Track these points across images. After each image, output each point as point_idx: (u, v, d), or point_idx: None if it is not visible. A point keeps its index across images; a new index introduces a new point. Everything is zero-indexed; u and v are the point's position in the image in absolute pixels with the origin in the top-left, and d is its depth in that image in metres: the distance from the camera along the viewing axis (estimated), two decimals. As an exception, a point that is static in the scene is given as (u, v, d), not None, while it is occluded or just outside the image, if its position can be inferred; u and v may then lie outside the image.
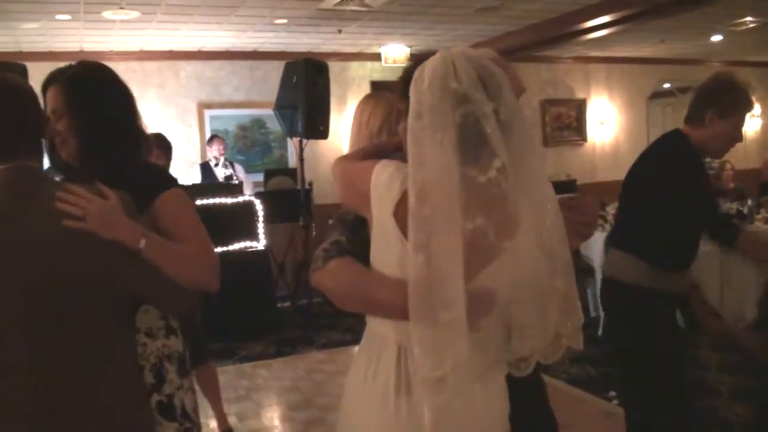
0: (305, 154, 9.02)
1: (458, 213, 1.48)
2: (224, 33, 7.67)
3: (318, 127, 7.14)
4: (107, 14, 6.41)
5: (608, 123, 10.73)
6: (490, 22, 7.76)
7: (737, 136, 2.85)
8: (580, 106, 10.54)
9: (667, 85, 11.26)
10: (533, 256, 1.55)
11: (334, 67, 9.22)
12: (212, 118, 8.74)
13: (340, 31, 7.85)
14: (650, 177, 2.90)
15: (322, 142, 9.10)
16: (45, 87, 2.04)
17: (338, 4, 6.58)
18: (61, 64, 7.17)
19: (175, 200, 1.93)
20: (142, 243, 1.69)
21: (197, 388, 2.36)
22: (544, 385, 2.24)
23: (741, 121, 2.83)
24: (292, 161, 8.94)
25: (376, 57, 9.05)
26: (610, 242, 3.30)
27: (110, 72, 2.08)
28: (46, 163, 2.04)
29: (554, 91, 10.35)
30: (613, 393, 4.57)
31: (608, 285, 3.02)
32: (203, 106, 8.72)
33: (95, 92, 2.02)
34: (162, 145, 4.22)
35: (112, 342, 1.74)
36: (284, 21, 7.22)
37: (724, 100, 2.78)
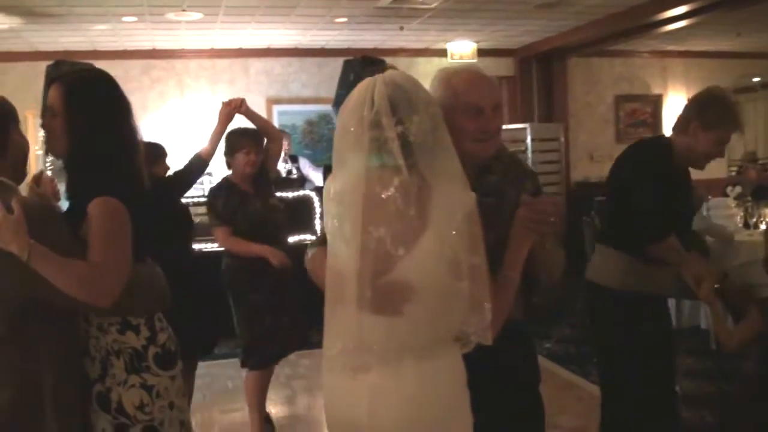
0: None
1: (360, 223, 1.72)
2: (289, 31, 7.84)
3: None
4: (171, 16, 6.67)
5: (686, 120, 10.26)
6: (554, 17, 7.62)
7: (717, 151, 2.91)
8: (656, 102, 10.19)
9: (756, 79, 10.77)
10: (431, 263, 1.73)
11: (400, 63, 9.26)
12: (280, 113, 8.94)
13: (401, 28, 7.89)
14: (625, 179, 3.07)
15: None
16: (51, 82, 2.19)
17: (394, 2, 6.62)
18: (135, 63, 7.54)
19: (94, 210, 1.97)
20: (26, 255, 1.79)
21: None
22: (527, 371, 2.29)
23: (724, 137, 2.88)
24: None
25: (444, 53, 9.02)
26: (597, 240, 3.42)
27: (111, 81, 2.24)
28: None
29: (629, 87, 10.05)
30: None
31: (590, 287, 3.19)
32: (272, 101, 8.93)
33: (92, 99, 2.15)
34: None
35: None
36: (344, 19, 7.33)
37: (709, 114, 2.85)
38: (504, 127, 9.16)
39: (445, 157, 1.78)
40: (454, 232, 1.73)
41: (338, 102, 7.37)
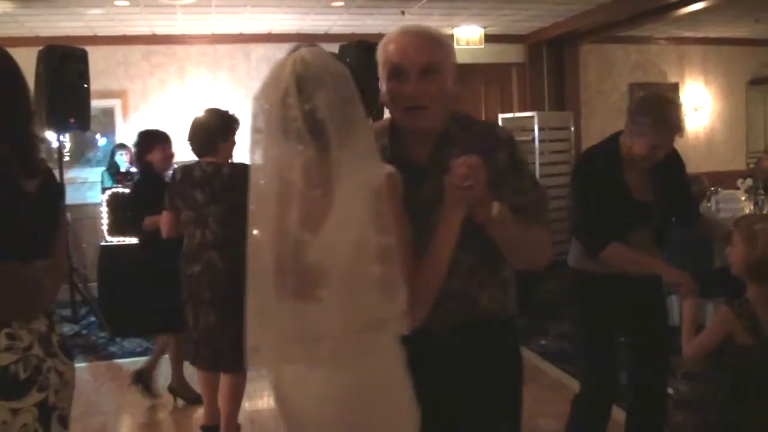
0: (375, 138, 9.02)
1: (272, 208, 1.70)
2: (288, 16, 7.69)
3: (370, 111, 6.98)
4: (162, 0, 6.54)
5: (703, 109, 9.98)
6: (561, 1, 7.35)
7: (654, 155, 2.89)
8: (673, 90, 9.78)
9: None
10: (338, 245, 1.66)
11: (407, 49, 9.09)
12: (282, 100, 8.80)
13: (402, 13, 7.68)
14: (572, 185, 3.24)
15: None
16: None
17: (389, -16, 6.43)
18: (136, 49, 7.47)
19: None
20: None
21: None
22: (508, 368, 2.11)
23: (657, 143, 2.86)
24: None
25: (450, 39, 8.78)
26: None
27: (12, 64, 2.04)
28: None
29: (644, 74, 9.73)
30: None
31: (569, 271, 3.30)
32: (274, 88, 8.78)
33: None
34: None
35: None
36: (341, 3, 7.14)
37: (642, 120, 2.87)
38: (511, 115, 8.96)
39: (357, 133, 1.69)
40: (357, 212, 1.66)
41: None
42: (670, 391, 4.15)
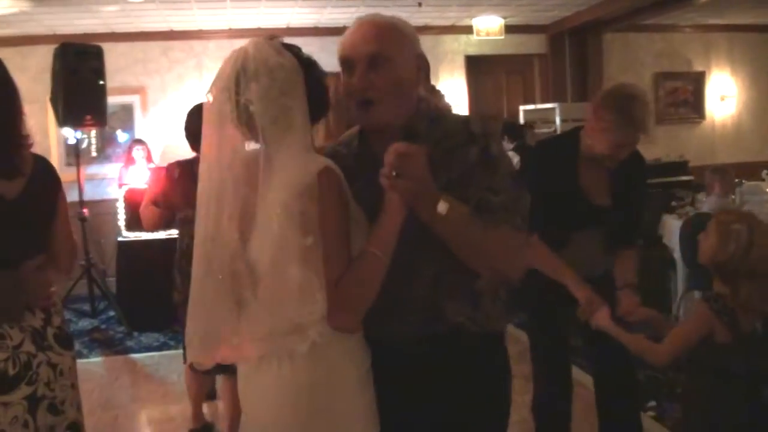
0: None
1: (212, 205, 1.69)
2: (304, 10, 7.65)
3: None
4: (177, -5, 6.54)
5: (730, 99, 9.74)
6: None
7: (617, 153, 2.70)
8: (699, 80, 9.63)
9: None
10: (263, 244, 1.62)
11: (426, 41, 8.98)
12: (301, 94, 8.77)
13: (420, 4, 7.59)
14: None
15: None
16: None
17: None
18: (154, 45, 7.54)
19: None
20: None
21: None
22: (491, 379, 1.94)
23: (620, 141, 2.66)
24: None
25: (470, 30, 8.67)
26: None
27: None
28: None
29: (669, 64, 9.50)
30: (653, 403, 4.17)
31: None
32: (292, 82, 8.76)
33: None
34: None
35: None
36: (356, -5, 7.09)
37: (606, 117, 2.66)
38: (532, 106, 8.84)
39: (293, 128, 1.65)
40: (279, 210, 1.60)
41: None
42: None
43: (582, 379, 3.89)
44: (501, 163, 1.79)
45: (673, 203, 6.43)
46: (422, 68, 1.87)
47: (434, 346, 1.80)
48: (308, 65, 1.71)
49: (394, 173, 1.59)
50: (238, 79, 1.62)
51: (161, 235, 5.73)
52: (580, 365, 4.20)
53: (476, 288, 1.80)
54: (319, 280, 1.61)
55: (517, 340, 4.50)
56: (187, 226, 3.73)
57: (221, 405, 4.07)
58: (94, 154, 8.31)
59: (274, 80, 1.62)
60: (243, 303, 1.68)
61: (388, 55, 1.75)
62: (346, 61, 1.78)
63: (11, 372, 2.01)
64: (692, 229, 5.22)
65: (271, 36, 1.73)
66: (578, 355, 5.12)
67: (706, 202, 5.36)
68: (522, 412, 3.29)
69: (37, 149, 7.37)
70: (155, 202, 3.73)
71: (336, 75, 1.85)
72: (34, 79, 7.70)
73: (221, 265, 1.66)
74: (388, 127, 1.79)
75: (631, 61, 9.42)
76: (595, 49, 9.16)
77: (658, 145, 8.56)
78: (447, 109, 2.04)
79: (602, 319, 2.61)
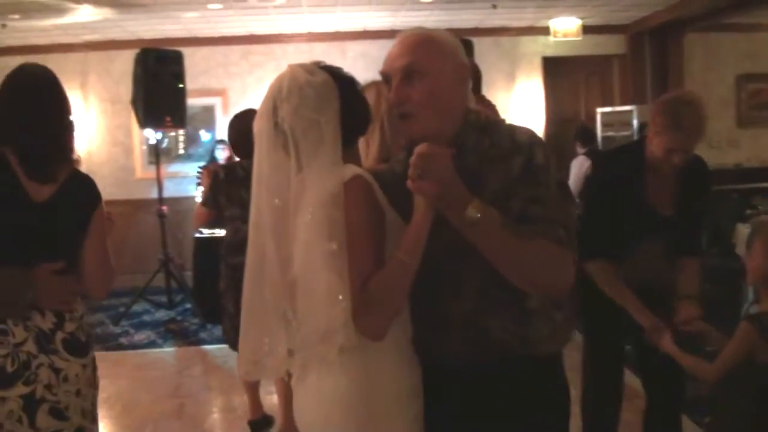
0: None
1: (267, 222, 1.76)
2: (380, 13, 7.77)
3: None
4: (253, 2, 6.75)
5: (820, 102, 9.27)
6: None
7: (671, 159, 2.72)
8: (784, 82, 9.22)
9: None
10: (298, 254, 1.68)
11: (503, 42, 9.00)
12: (376, 96, 8.89)
13: (494, 6, 7.60)
14: None
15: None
16: None
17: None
18: (235, 49, 7.90)
19: None
20: None
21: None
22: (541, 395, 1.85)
23: (671, 145, 2.69)
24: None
25: (548, 32, 8.60)
26: None
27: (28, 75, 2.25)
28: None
29: (753, 65, 9.13)
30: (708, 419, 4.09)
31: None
32: (368, 85, 8.89)
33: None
34: None
35: None
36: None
37: (658, 120, 2.73)
38: (609, 109, 8.66)
39: (325, 142, 1.71)
40: (309, 217, 1.66)
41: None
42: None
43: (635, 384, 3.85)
44: (546, 173, 1.72)
45: (749, 211, 6.24)
46: (466, 79, 1.83)
47: (482, 368, 1.76)
48: (343, 82, 1.76)
49: (417, 175, 1.57)
50: (275, 102, 1.70)
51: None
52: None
53: (526, 306, 1.74)
54: (343, 284, 1.62)
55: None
56: (231, 223, 3.95)
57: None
58: (181, 151, 8.69)
59: (303, 98, 1.68)
60: (287, 318, 1.74)
61: (422, 68, 1.74)
62: (384, 76, 1.79)
63: (9, 369, 2.07)
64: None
65: (316, 62, 1.80)
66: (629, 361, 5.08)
67: (777, 211, 5.17)
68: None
69: (120, 149, 7.88)
70: (204, 202, 3.96)
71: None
72: (118, 82, 8.13)
73: (269, 284, 1.74)
74: (433, 139, 1.71)
75: (713, 62, 9.12)
76: (676, 49, 8.91)
77: (741, 150, 8.29)
78: (499, 120, 1.99)
79: (667, 345, 2.65)
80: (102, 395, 4.76)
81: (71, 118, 2.32)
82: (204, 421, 4.46)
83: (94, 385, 2.34)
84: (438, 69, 1.75)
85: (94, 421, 2.34)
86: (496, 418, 1.77)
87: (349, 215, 1.66)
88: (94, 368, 2.34)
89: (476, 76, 3.27)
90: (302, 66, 1.75)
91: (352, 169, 1.71)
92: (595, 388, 3.16)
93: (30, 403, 2.10)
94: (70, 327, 2.21)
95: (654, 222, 2.84)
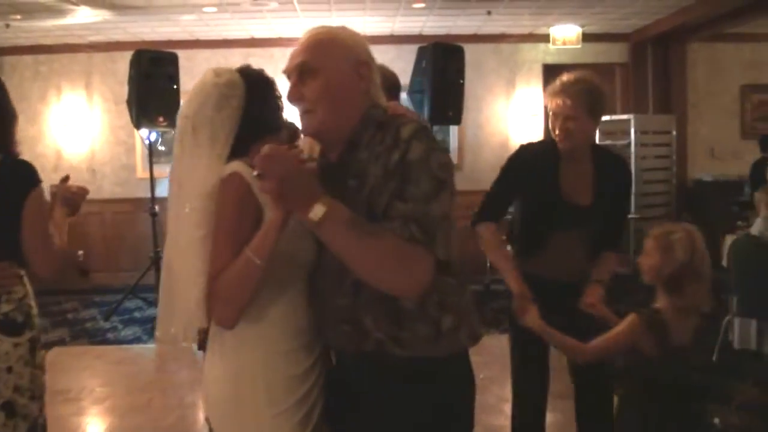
0: (467, 140, 8.99)
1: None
2: (377, 18, 7.82)
3: (447, 113, 7.01)
4: (246, 5, 6.84)
5: (826, 113, 9.12)
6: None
7: (554, 126, 2.84)
8: (790, 92, 9.07)
9: None
10: (171, 241, 1.87)
11: (502, 49, 8.99)
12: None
13: (489, 13, 7.61)
14: None
15: (485, 128, 8.97)
16: None
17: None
18: (236, 52, 8.09)
19: None
20: None
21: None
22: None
23: (550, 106, 2.83)
24: (453, 145, 8.90)
25: (548, 39, 8.58)
26: None
27: None
28: None
29: (759, 75, 9.00)
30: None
31: None
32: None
33: None
34: None
35: None
36: (422, 5, 7.19)
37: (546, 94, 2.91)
38: (607, 118, 8.61)
39: (217, 137, 1.85)
40: (188, 207, 1.81)
41: (412, 89, 7.27)
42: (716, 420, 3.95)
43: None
44: (419, 169, 1.68)
45: (740, 222, 6.18)
46: (366, 75, 1.83)
47: (361, 362, 1.79)
48: (253, 83, 1.89)
49: (259, 175, 1.59)
50: (188, 103, 1.88)
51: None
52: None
53: (401, 306, 1.72)
54: (204, 269, 1.75)
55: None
56: None
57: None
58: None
59: (206, 97, 1.84)
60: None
61: (315, 66, 1.76)
62: (286, 75, 1.82)
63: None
64: (735, 252, 5.04)
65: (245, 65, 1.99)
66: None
67: (755, 224, 5.11)
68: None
69: (122, 148, 8.03)
70: None
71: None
72: (121, 83, 8.22)
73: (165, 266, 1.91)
74: (330, 134, 1.81)
75: (718, 72, 9.01)
76: (679, 59, 8.84)
77: (745, 161, 8.18)
78: (400, 116, 1.94)
79: (531, 320, 2.59)
80: (75, 386, 4.89)
81: (7, 109, 2.43)
82: (168, 416, 4.52)
83: (33, 364, 2.43)
84: (332, 67, 1.78)
85: (35, 399, 2.44)
86: (374, 413, 1.79)
87: (219, 209, 1.77)
88: (33, 348, 2.44)
89: (390, 83, 3.24)
90: (217, 69, 1.91)
91: (233, 167, 1.78)
92: (522, 385, 3.10)
93: None
94: (5, 307, 2.36)
95: (568, 211, 2.85)
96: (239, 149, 1.86)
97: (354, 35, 1.89)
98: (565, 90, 2.77)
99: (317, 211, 1.58)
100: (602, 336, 2.46)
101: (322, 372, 1.89)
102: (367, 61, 1.85)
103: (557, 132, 2.82)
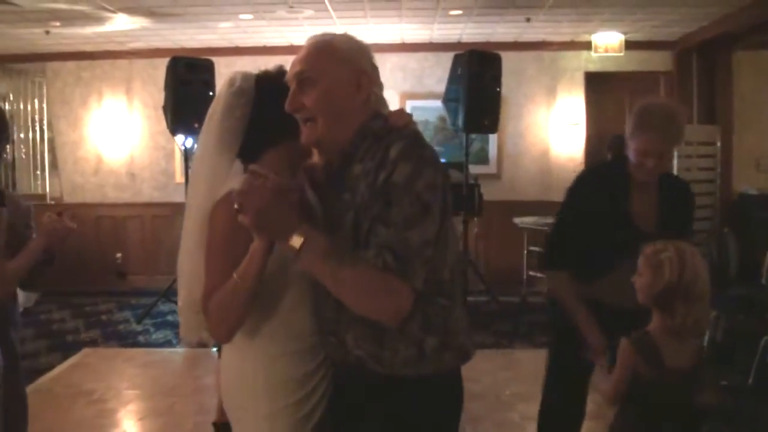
0: (507, 149, 8.87)
1: None
2: (414, 25, 7.77)
3: (483, 121, 6.92)
4: (282, 13, 6.86)
5: None
6: (695, 3, 6.83)
7: (644, 162, 2.72)
8: (844, 102, 8.72)
9: None
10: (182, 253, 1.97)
11: (543, 57, 8.86)
12: (414, 108, 8.83)
13: (528, 20, 7.49)
14: None
15: (526, 137, 8.85)
16: None
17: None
18: (275, 59, 8.07)
19: None
20: None
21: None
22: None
23: (641, 147, 2.69)
24: (493, 153, 8.80)
25: (590, 46, 8.41)
26: None
27: None
28: None
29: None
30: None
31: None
32: (405, 96, 8.88)
33: None
34: None
35: None
36: (459, 12, 7.11)
37: (629, 125, 2.75)
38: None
39: (218, 141, 1.90)
40: (193, 214, 1.90)
41: (447, 97, 7.21)
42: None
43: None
44: (403, 192, 1.64)
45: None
46: (364, 85, 1.80)
47: (346, 374, 1.86)
48: (265, 90, 1.89)
49: (236, 209, 1.63)
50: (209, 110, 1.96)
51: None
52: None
53: (382, 326, 1.71)
54: (190, 287, 1.94)
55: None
56: None
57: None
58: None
59: (218, 105, 1.90)
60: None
61: (313, 75, 1.76)
62: (288, 84, 1.82)
63: None
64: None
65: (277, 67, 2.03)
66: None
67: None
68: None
69: (161, 153, 8.16)
70: None
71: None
72: (161, 89, 8.31)
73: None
74: (328, 144, 1.81)
75: (764, 81, 8.72)
76: (725, 68, 8.56)
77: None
78: (403, 129, 1.89)
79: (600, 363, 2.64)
80: (100, 388, 4.93)
81: None
82: (186, 421, 4.51)
83: None
84: (330, 76, 1.77)
85: None
86: (360, 423, 1.84)
87: (211, 228, 1.81)
88: None
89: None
90: (234, 76, 1.96)
91: (228, 186, 1.78)
92: (556, 404, 3.12)
93: None
94: None
95: (636, 238, 2.75)
96: (252, 155, 1.87)
97: (356, 43, 1.88)
98: (659, 127, 2.67)
99: (295, 242, 1.63)
100: (609, 376, 2.43)
101: (327, 374, 1.92)
102: (368, 71, 1.84)
103: (647, 167, 2.72)
